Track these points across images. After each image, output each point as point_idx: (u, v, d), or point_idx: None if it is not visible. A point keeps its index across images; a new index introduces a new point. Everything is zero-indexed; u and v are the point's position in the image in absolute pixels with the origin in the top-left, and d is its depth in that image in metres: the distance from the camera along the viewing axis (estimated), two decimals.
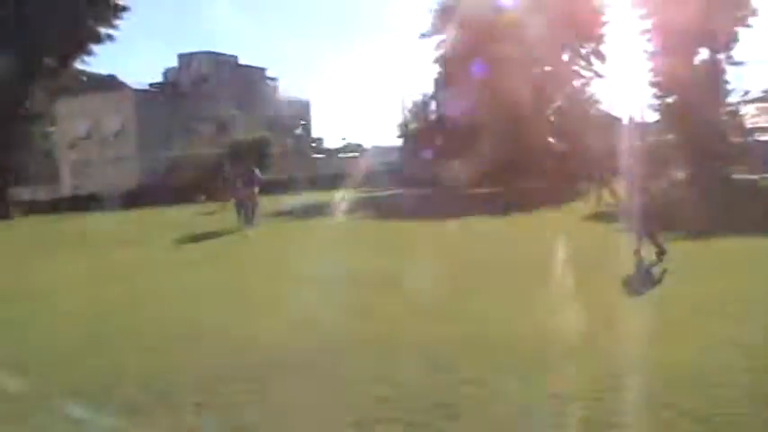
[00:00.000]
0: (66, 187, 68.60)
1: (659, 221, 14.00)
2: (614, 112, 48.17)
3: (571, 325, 8.92)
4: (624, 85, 59.74)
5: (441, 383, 6.75)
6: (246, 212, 24.28)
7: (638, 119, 42.22)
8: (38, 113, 45.18)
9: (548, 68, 45.93)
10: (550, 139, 45.14)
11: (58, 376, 7.57)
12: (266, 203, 32.80)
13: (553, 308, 9.92)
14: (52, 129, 66.00)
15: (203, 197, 42.29)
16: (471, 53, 42.66)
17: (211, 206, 36.13)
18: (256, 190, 24.62)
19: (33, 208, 44.75)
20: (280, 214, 29.85)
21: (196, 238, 22.63)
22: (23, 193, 51.14)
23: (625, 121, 42.89)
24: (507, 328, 8.76)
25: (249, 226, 23.84)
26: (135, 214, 35.91)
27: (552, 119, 47.45)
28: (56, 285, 14.59)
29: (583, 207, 24.97)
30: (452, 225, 21.87)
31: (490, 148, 47.84)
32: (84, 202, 46.90)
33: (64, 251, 21.63)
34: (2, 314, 11.62)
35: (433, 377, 6.96)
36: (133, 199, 44.42)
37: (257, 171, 25.49)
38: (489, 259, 14.26)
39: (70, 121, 70.68)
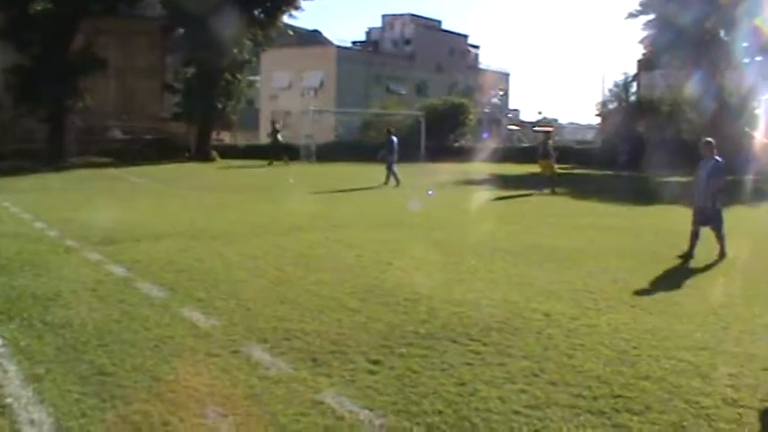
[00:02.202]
0: (263, 136, 70.29)
1: None
2: None
3: None
4: None
5: None
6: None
7: None
8: (244, 62, 45.82)
9: (759, 59, 42.12)
10: (755, 133, 41.64)
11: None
12: (457, 170, 31.81)
13: None
14: (256, 78, 67.52)
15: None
16: (679, 36, 39.85)
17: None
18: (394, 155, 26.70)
19: (229, 153, 45.42)
20: (469, 183, 28.95)
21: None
22: (225, 138, 52.35)
23: None
24: None
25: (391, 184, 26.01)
26: (336, 168, 35.71)
27: (758, 111, 43.92)
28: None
29: None
30: (656, 211, 19.90)
31: (689, 135, 44.94)
32: (278, 151, 47.27)
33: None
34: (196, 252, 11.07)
35: None
36: (327, 153, 44.20)
37: (394, 138, 27.31)
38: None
39: (273, 73, 72.29)
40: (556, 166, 26.65)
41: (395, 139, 27.30)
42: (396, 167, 26.41)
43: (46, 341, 6.51)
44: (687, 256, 11.51)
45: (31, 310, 7.51)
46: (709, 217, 11.78)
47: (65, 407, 5.04)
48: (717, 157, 11.83)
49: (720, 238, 11.76)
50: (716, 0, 38.65)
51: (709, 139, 12.20)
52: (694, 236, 11.71)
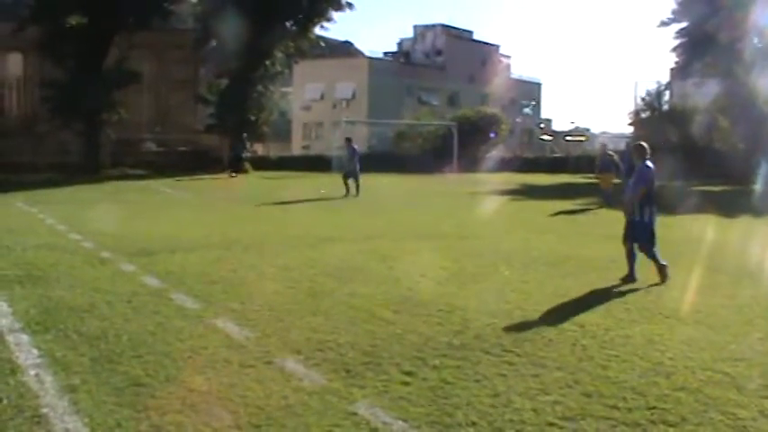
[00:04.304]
0: (296, 147, 70.65)
1: None
2: None
3: None
4: None
5: None
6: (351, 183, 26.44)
7: None
8: (276, 74, 46.04)
9: None
10: None
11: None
12: (488, 180, 31.64)
13: None
14: (288, 90, 67.84)
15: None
16: (712, 44, 39.40)
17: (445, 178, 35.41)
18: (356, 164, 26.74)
19: (262, 164, 45.64)
20: (500, 193, 28.93)
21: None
22: (257, 150, 52.58)
23: None
24: None
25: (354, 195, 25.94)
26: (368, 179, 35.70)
27: None
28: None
29: None
30: (687, 221, 19.65)
31: (722, 144, 44.34)
32: (310, 163, 47.57)
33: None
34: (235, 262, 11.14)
35: None
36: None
37: (355, 147, 27.68)
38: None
39: (305, 84, 72.64)
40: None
41: (356, 148, 27.80)
42: (362, 177, 26.61)
43: (81, 352, 6.56)
44: (628, 278, 10.08)
45: (67, 321, 7.58)
46: (636, 232, 10.20)
47: (99, 417, 5.08)
48: (647, 163, 10.23)
49: (651, 258, 10.16)
50: (749, 7, 38.16)
51: (642, 142, 10.74)
52: (629, 255, 10.21)
